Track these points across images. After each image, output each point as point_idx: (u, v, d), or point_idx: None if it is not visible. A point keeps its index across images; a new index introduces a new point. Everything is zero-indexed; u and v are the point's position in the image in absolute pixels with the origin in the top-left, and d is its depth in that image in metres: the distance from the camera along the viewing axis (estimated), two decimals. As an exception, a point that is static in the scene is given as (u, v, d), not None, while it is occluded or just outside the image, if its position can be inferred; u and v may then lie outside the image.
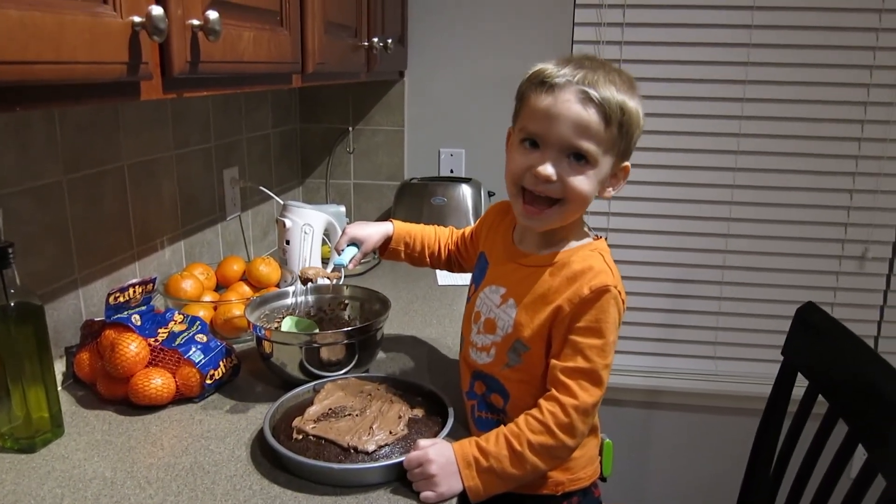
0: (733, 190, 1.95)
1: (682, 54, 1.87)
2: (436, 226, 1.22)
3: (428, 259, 1.20)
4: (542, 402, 0.89)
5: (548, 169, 0.87)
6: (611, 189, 0.93)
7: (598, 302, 0.88)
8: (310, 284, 1.20)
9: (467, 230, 1.19)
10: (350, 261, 1.12)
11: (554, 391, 0.88)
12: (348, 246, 1.13)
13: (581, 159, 0.87)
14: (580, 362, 0.88)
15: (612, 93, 0.85)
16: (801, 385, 1.19)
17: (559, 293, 0.90)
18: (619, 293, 0.90)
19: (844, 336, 1.11)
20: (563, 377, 0.88)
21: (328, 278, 1.17)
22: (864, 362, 1.04)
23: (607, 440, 1.05)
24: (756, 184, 1.94)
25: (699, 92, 1.89)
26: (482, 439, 0.89)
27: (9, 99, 0.60)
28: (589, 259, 0.91)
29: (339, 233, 1.53)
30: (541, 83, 0.87)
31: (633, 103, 0.87)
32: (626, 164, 0.92)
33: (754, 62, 1.85)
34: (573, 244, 0.95)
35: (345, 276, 1.64)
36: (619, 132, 0.87)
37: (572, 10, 1.88)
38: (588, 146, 0.86)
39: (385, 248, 1.18)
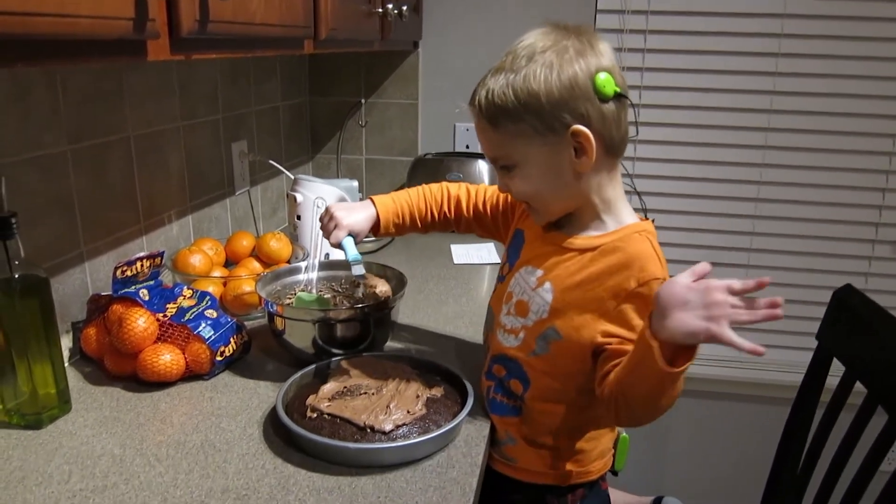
0: (762, 169, 1.89)
1: (711, 25, 1.80)
2: (422, 189, 1.13)
3: (420, 230, 1.14)
4: None
5: (499, 185, 0.95)
6: (584, 158, 0.84)
7: (649, 295, 0.80)
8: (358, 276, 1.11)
9: (503, 196, 1.09)
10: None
11: None
12: (347, 236, 1.06)
13: (507, 167, 0.89)
14: None
15: (486, 94, 0.85)
16: (834, 374, 1.14)
17: (601, 283, 0.85)
18: None
19: (886, 320, 1.06)
20: None
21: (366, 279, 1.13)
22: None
23: (624, 434, 1.02)
24: (786, 163, 1.87)
25: (729, 65, 1.83)
26: None
27: (8, 54, 0.56)
28: (635, 244, 0.86)
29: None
30: None
31: (517, 81, 0.82)
32: (575, 128, 0.82)
33: (790, 23, 1.77)
34: (616, 226, 0.89)
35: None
36: (516, 119, 0.83)
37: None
38: (498, 154, 0.89)
39: (375, 232, 1.11)
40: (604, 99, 0.83)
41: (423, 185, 1.14)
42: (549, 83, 0.81)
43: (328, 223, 1.07)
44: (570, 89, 0.81)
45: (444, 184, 1.15)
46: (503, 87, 0.83)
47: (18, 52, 0.57)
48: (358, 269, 1.07)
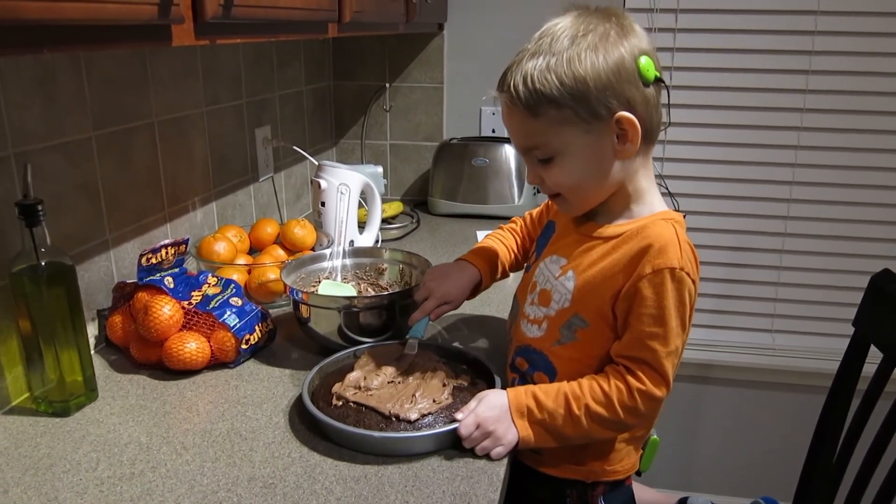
0: (797, 151, 1.83)
1: (744, 2, 1.75)
2: (499, 235, 1.13)
3: (509, 273, 1.13)
4: (609, 372, 0.84)
5: (530, 177, 0.89)
6: (628, 144, 0.82)
7: (659, 284, 0.80)
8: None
9: (535, 212, 1.11)
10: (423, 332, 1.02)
11: (623, 369, 0.84)
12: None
13: (543, 159, 0.84)
14: (641, 352, 0.82)
15: (525, 79, 0.79)
16: (871, 361, 1.11)
17: (621, 269, 0.83)
18: (687, 275, 0.81)
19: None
20: (625, 363, 0.84)
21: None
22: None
23: (654, 437, 0.99)
24: (822, 144, 1.81)
25: (763, 44, 1.77)
26: (539, 390, 0.85)
27: (35, 40, 0.56)
28: (658, 229, 0.83)
29: (377, 196, 1.47)
30: None
31: (560, 65, 0.78)
32: (621, 114, 0.79)
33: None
34: (643, 214, 0.87)
35: (382, 240, 1.58)
36: (559, 105, 0.79)
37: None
38: (535, 143, 0.84)
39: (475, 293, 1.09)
40: (646, 83, 0.81)
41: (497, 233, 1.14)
42: (596, 67, 0.78)
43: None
44: (617, 73, 0.78)
45: (506, 228, 1.15)
46: (543, 71, 0.78)
47: (45, 37, 0.57)
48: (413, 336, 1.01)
